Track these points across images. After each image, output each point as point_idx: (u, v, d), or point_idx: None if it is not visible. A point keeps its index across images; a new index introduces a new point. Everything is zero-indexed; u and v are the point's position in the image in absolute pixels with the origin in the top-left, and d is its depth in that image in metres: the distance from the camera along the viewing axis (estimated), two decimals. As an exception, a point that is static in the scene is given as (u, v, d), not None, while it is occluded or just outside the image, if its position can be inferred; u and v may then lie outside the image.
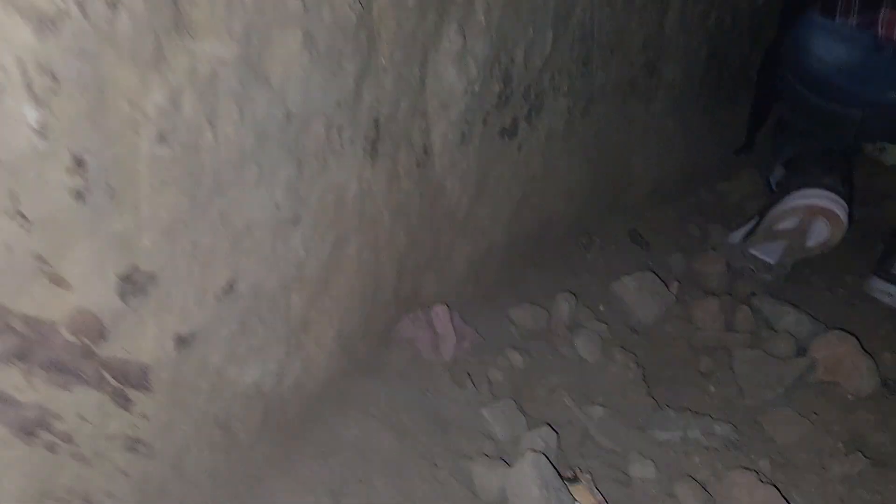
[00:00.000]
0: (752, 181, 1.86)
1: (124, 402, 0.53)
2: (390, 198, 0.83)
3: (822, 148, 1.46)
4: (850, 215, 1.33)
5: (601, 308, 1.23)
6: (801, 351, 1.17)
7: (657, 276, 1.25)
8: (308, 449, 0.75)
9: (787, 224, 1.38)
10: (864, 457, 0.91)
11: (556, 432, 0.87)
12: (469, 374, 0.93)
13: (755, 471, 0.89)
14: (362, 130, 0.74)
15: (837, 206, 1.32)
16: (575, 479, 0.82)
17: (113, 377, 0.51)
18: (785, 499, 0.78)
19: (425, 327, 0.94)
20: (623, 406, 1.01)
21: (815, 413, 1.05)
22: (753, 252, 1.41)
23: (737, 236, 1.46)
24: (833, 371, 1.11)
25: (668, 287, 1.26)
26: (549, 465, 0.77)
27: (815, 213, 1.33)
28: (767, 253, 1.40)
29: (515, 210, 1.13)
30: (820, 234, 1.35)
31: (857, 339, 1.13)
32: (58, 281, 0.47)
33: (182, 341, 0.57)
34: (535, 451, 0.78)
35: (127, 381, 0.52)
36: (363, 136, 0.74)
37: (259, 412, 0.69)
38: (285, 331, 0.69)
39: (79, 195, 0.46)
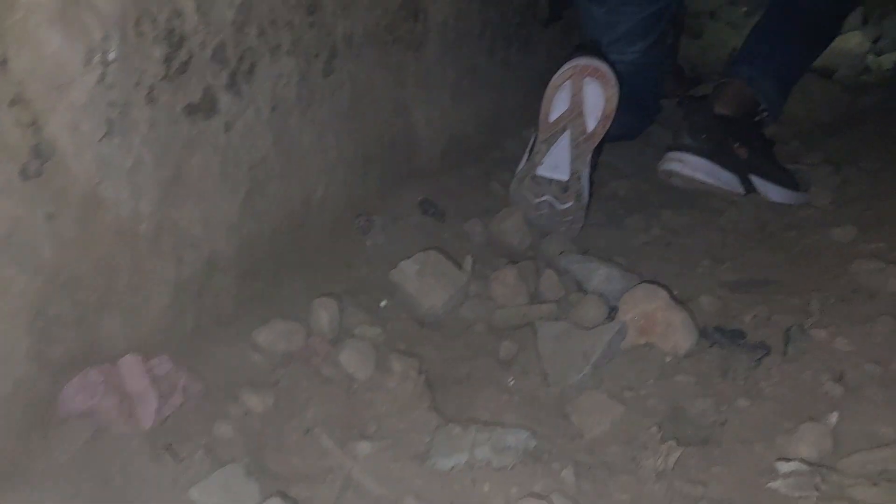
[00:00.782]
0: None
1: None
2: (-22, 230, 0.57)
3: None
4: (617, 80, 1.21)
5: (383, 304, 1.03)
6: (613, 312, 1.02)
7: (442, 253, 1.06)
8: None
9: (560, 107, 1.22)
10: (678, 445, 0.76)
11: (293, 499, 0.66)
12: (170, 446, 0.69)
13: (557, 490, 0.72)
14: None
15: (600, 63, 1.20)
16: (314, 567, 0.61)
17: None
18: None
19: (107, 391, 0.69)
20: (400, 432, 0.81)
21: (629, 388, 0.89)
22: (541, 174, 1.23)
23: (520, 166, 1.28)
24: (646, 331, 0.97)
25: (459, 264, 1.07)
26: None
27: (581, 73, 1.19)
28: (555, 167, 1.22)
29: (243, 206, 0.90)
30: (596, 101, 1.20)
31: (667, 290, 0.99)
32: None
33: None
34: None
35: None
36: None
37: None
38: None
39: None
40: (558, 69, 1.21)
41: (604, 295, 1.05)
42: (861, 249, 1.16)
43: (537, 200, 1.23)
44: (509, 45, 1.62)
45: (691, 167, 1.39)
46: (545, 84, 1.70)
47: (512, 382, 0.91)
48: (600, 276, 1.09)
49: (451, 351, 0.98)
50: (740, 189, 1.40)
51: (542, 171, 1.23)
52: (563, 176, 1.23)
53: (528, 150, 1.28)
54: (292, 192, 0.99)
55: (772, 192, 1.39)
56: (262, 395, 0.79)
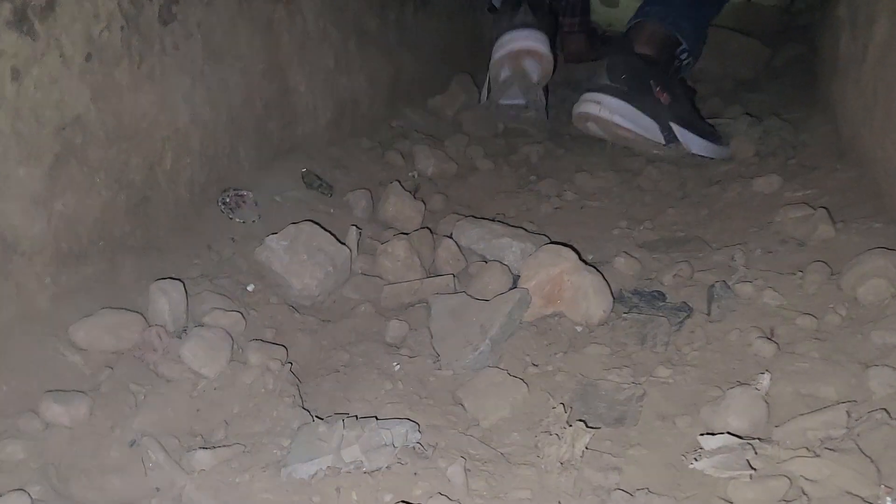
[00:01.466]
0: (466, 89, 1.58)
1: None
2: None
3: None
4: (553, 40, 1.46)
5: (250, 288, 0.87)
6: (518, 281, 0.89)
7: (320, 226, 0.91)
8: None
9: (505, 73, 1.41)
10: (588, 427, 0.63)
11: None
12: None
13: (440, 493, 0.58)
14: None
15: (532, 41, 1.39)
16: None
17: None
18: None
19: None
20: (254, 436, 0.66)
21: (533, 365, 0.76)
22: (503, 102, 1.43)
23: (482, 98, 1.50)
24: (552, 299, 0.84)
25: (340, 239, 0.93)
26: None
27: (519, 56, 1.38)
28: (513, 97, 1.44)
29: (52, 174, 0.73)
30: (534, 70, 1.41)
31: (576, 251, 0.86)
32: None
33: None
34: None
35: None
36: None
37: None
38: None
39: None
40: (495, 48, 1.43)
41: (506, 264, 0.92)
42: (787, 198, 1.06)
43: (505, 117, 1.47)
44: (403, 5, 1.48)
45: (609, 109, 1.26)
46: (446, 49, 1.63)
47: (398, 367, 0.77)
48: (502, 242, 0.96)
49: (329, 337, 0.83)
50: (660, 138, 1.28)
51: (503, 100, 1.45)
52: (522, 101, 1.46)
53: (486, 85, 1.48)
54: (128, 160, 0.83)
55: (694, 143, 1.28)
56: (71, 405, 0.63)
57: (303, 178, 1.12)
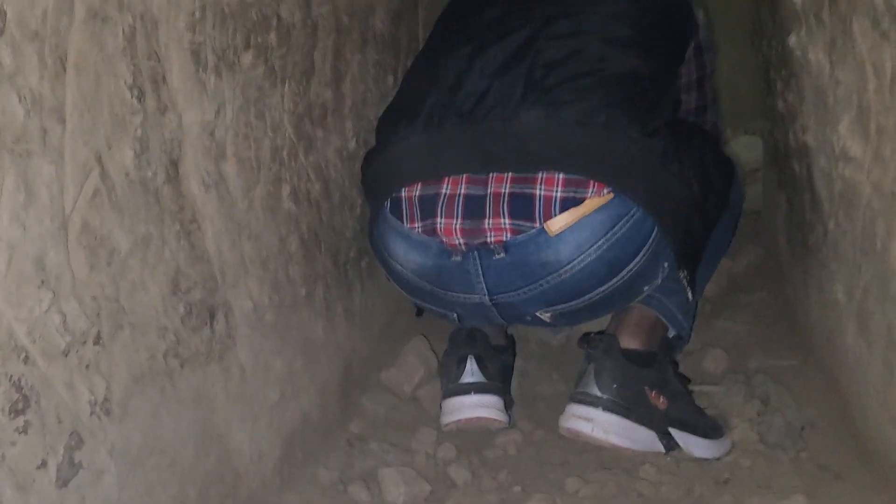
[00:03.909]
0: (422, 358, 1.43)
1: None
2: None
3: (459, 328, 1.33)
4: (504, 397, 1.28)
5: None
6: None
7: None
8: None
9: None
10: None
11: None
12: None
13: None
14: None
15: (482, 410, 1.24)
16: None
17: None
18: None
19: None
20: None
21: None
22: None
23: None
24: None
25: None
26: None
27: (468, 424, 1.25)
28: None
29: None
30: (488, 427, 1.26)
31: None
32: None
33: None
34: None
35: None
36: None
37: None
38: None
39: None
40: (441, 409, 1.27)
41: None
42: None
43: None
44: (350, 289, 1.34)
45: (603, 428, 1.13)
46: (397, 314, 1.48)
47: None
48: None
49: None
50: (659, 448, 1.16)
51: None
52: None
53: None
54: None
55: (696, 446, 1.15)
56: None
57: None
